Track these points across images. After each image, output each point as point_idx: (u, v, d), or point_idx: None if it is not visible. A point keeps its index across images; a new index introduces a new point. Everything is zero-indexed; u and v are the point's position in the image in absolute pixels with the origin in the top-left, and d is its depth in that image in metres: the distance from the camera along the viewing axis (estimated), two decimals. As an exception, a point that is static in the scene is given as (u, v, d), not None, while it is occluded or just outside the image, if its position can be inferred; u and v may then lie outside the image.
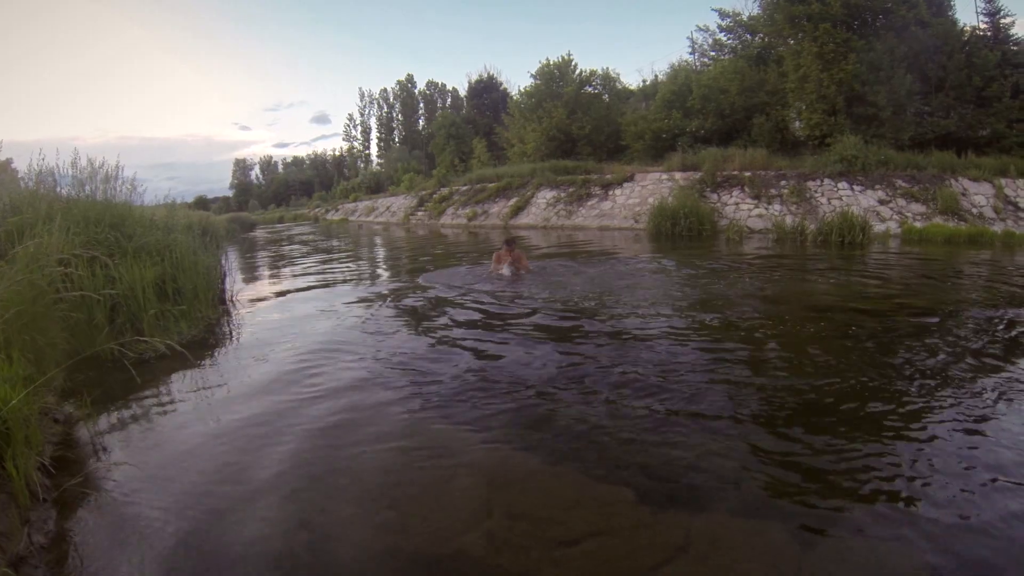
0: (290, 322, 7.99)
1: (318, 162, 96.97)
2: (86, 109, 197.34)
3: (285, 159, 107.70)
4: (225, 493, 3.48)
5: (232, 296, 9.27)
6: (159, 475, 3.73)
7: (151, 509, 3.33)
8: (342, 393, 5.02)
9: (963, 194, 18.20)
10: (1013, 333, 6.57)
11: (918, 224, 17.22)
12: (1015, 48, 23.10)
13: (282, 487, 3.53)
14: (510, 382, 5.17)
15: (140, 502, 3.41)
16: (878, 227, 17.18)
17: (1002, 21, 23.64)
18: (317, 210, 64.05)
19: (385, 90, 78.64)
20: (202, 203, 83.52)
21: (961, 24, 24.19)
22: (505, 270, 10.54)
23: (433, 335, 6.87)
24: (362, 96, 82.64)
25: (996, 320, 7.10)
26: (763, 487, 3.38)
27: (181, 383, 5.58)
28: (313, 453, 3.94)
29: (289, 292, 10.69)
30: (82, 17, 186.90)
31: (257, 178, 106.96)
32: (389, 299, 9.17)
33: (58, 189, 8.51)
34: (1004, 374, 5.15)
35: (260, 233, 39.81)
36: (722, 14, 31.65)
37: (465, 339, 6.61)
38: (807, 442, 3.87)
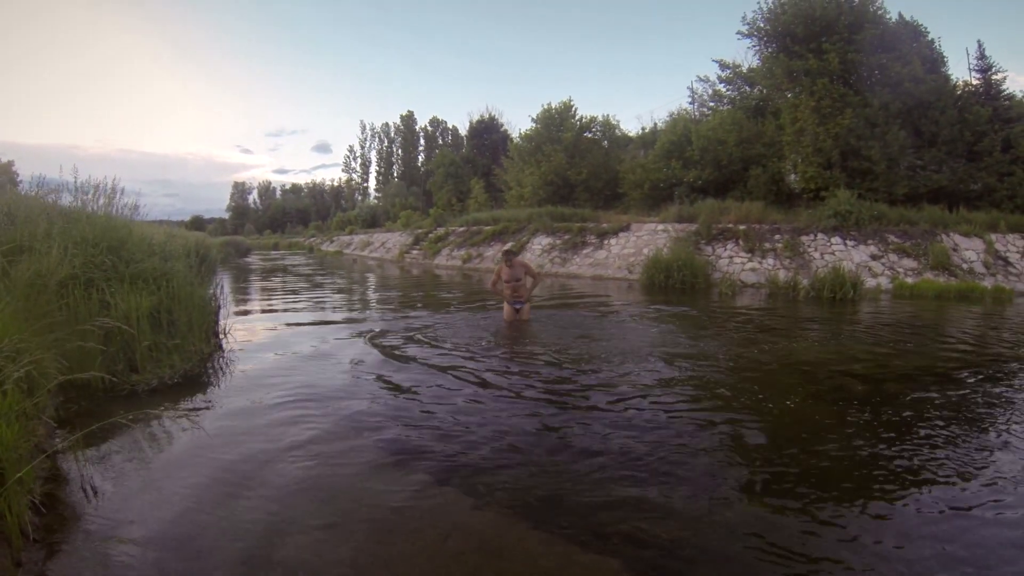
0: (283, 362, 7.94)
1: (316, 191, 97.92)
2: (87, 118, 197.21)
3: (284, 185, 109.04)
4: (213, 543, 3.48)
5: (226, 330, 9.21)
6: (148, 518, 3.74)
7: (139, 554, 3.35)
8: (334, 446, 4.99)
9: (954, 249, 18.40)
10: (1001, 394, 6.68)
11: (909, 280, 17.35)
12: (1006, 103, 23.45)
13: (273, 541, 3.51)
14: (500, 440, 5.15)
15: (128, 545, 3.43)
16: (870, 282, 17.33)
17: (994, 77, 24.03)
18: (312, 240, 64.51)
19: (387, 124, 79.84)
20: (198, 223, 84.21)
21: (954, 79, 24.62)
22: (507, 310, 10.54)
23: (426, 386, 6.78)
24: (363, 129, 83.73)
25: (984, 380, 7.21)
26: (750, 561, 3.38)
27: (172, 420, 5.57)
28: (304, 507, 3.92)
29: (283, 329, 10.70)
30: (87, 25, 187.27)
31: (255, 202, 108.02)
32: (383, 343, 9.11)
33: (57, 199, 8.56)
34: (993, 437, 5.27)
35: (254, 259, 39.88)
36: (722, 65, 32.15)
37: (457, 393, 6.51)
38: (795, 512, 3.89)
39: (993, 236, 18.80)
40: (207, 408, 5.97)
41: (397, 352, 8.48)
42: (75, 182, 8.73)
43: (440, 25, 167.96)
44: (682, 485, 4.28)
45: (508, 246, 27.21)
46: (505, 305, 10.62)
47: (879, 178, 21.87)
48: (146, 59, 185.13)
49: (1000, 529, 3.68)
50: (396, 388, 6.72)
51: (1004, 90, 24.02)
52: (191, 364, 7.24)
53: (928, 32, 25.07)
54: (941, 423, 5.59)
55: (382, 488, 4.22)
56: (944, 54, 25.04)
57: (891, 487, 4.27)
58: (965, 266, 17.87)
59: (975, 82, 24.68)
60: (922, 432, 5.35)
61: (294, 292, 18.08)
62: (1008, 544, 3.51)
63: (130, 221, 8.80)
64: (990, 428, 5.54)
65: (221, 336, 8.85)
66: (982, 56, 24.57)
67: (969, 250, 18.40)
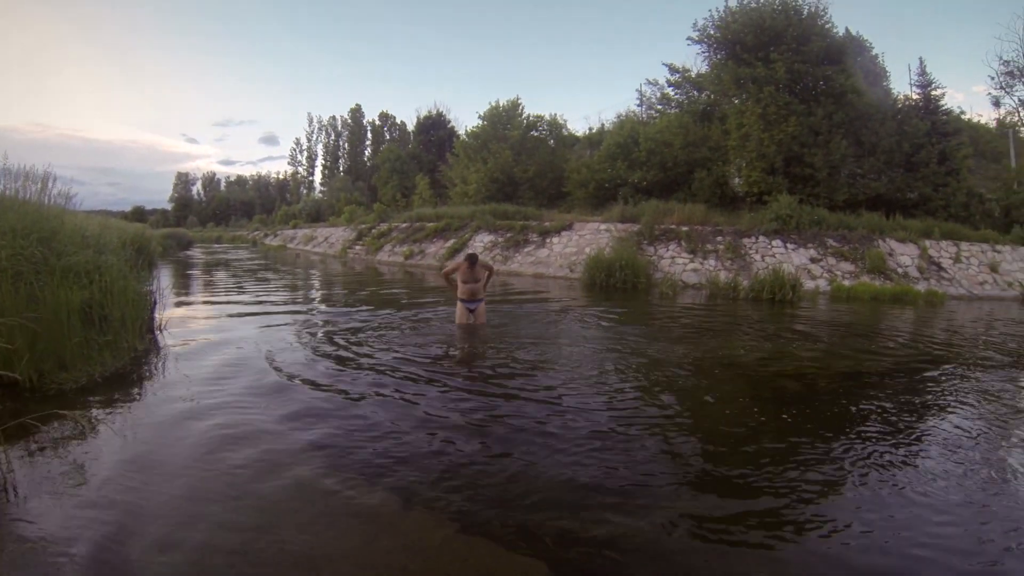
0: (220, 360, 7.60)
1: (261, 184, 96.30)
2: (25, 102, 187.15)
3: (228, 177, 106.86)
4: (138, 547, 3.34)
5: (162, 326, 8.89)
6: (72, 520, 3.59)
7: (61, 555, 3.21)
8: (265, 448, 4.79)
9: (890, 254, 18.89)
10: (929, 392, 6.96)
11: (847, 282, 17.67)
12: (944, 118, 24.12)
13: (198, 545, 3.38)
14: (432, 441, 5.04)
15: (51, 547, 3.29)
16: (808, 284, 17.56)
17: (933, 93, 24.65)
18: (256, 233, 63.59)
19: (334, 118, 78.84)
20: (139, 214, 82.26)
21: (895, 93, 25.26)
22: (460, 311, 9.96)
23: (363, 388, 6.56)
24: (311, 121, 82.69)
25: (913, 379, 7.47)
26: (677, 565, 3.34)
27: (100, 420, 5.31)
28: (232, 509, 3.79)
29: (222, 326, 10.23)
30: (26, 7, 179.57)
31: (198, 194, 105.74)
32: (322, 343, 8.74)
33: None
34: (921, 435, 5.45)
35: (197, 253, 39.23)
36: (671, 69, 32.54)
37: (392, 395, 6.31)
38: (723, 516, 3.85)
39: (927, 242, 19.34)
40: (136, 407, 5.74)
41: (336, 353, 8.18)
42: (2, 167, 8.36)
43: (391, 19, 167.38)
44: (615, 485, 4.25)
45: (450, 243, 26.97)
46: (458, 305, 10.09)
47: (820, 184, 22.32)
48: (88, 41, 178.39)
49: (926, 526, 3.75)
50: (332, 389, 6.47)
51: (942, 106, 24.72)
52: (123, 361, 7.04)
53: (872, 47, 25.71)
54: (872, 420, 5.74)
55: (311, 489, 4.13)
56: (887, 69, 25.78)
57: (822, 484, 4.32)
58: (900, 270, 18.27)
59: (915, 97, 25.37)
60: (854, 429, 5.47)
61: (235, 287, 17.61)
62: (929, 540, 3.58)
63: (63, 211, 8.52)
64: (918, 425, 5.74)
65: (157, 332, 8.68)
66: (923, 73, 25.25)
67: (904, 255, 18.84)
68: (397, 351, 8.24)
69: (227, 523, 3.60)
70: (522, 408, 5.91)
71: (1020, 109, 29.79)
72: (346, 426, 5.33)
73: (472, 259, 9.95)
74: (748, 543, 3.50)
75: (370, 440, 5.01)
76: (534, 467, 4.51)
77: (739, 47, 23.79)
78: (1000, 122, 34.55)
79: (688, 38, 25.79)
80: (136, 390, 6.27)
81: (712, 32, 25.12)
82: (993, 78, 29.77)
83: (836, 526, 3.69)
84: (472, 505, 3.93)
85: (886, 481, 4.35)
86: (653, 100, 35.01)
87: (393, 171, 50.99)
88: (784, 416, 5.81)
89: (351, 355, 8.03)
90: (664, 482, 4.31)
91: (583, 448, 4.88)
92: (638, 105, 36.65)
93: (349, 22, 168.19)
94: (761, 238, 19.89)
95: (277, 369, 7.21)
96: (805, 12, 23.50)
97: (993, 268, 18.85)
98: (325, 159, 79.31)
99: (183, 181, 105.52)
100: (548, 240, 24.15)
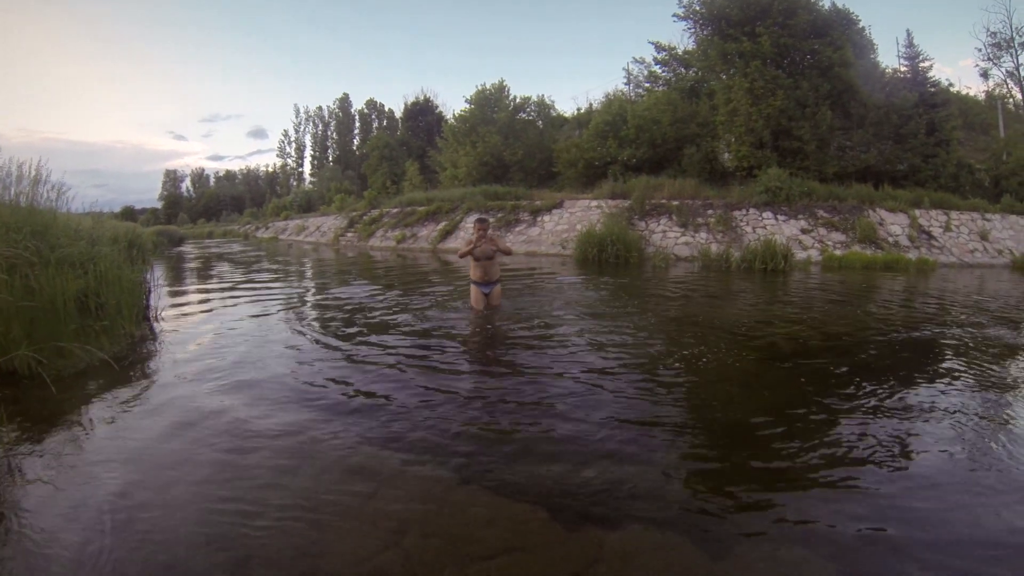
0: (215, 342, 7.63)
1: (251, 178, 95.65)
2: (9, 108, 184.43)
3: (217, 172, 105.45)
4: (141, 516, 3.36)
5: (157, 313, 8.89)
6: (75, 499, 3.57)
7: (67, 534, 3.19)
8: (262, 416, 4.86)
9: (880, 224, 18.99)
10: (921, 355, 6.93)
11: (838, 252, 17.80)
12: (932, 90, 24.14)
13: (201, 508, 3.43)
14: (427, 401, 5.13)
15: (55, 527, 3.26)
16: (800, 255, 17.63)
17: (921, 64, 24.70)
18: (247, 227, 63.09)
19: (321, 108, 78.56)
20: (129, 214, 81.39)
21: (883, 66, 25.31)
22: (474, 295, 9.08)
23: (355, 358, 6.65)
24: (297, 113, 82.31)
25: (905, 342, 7.43)
26: (675, 504, 3.42)
27: (99, 402, 5.33)
28: (232, 473, 3.84)
29: (216, 311, 10.20)
30: (8, 8, 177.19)
31: (188, 191, 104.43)
32: (312, 322, 8.77)
33: None
34: (913, 395, 5.34)
35: (189, 248, 38.99)
36: (658, 47, 32.48)
37: (385, 360, 6.45)
38: (720, 461, 3.97)
39: (917, 212, 19.45)
40: (132, 390, 5.73)
41: (328, 331, 8.22)
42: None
43: (376, 7, 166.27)
44: (609, 438, 4.33)
45: (442, 225, 26.89)
46: (473, 289, 9.16)
47: (810, 157, 22.34)
48: (71, 43, 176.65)
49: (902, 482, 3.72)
50: (326, 363, 6.53)
51: (930, 77, 24.72)
52: (120, 347, 7.07)
53: (859, 20, 25.61)
54: (865, 376, 5.82)
55: (310, 450, 4.20)
56: (874, 42, 25.72)
57: (815, 434, 4.39)
58: (891, 239, 18.38)
59: (903, 69, 25.38)
60: (846, 385, 5.59)
61: (228, 278, 17.45)
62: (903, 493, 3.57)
63: (54, 210, 8.45)
64: (909, 378, 5.81)
65: (153, 319, 8.66)
66: (910, 44, 25.28)
67: (895, 224, 18.94)
68: (391, 329, 8.23)
69: (229, 482, 3.67)
70: (519, 371, 5.99)
71: (1008, 80, 29.92)
72: (338, 394, 5.40)
73: (482, 223, 8.91)
74: (744, 489, 3.58)
75: (365, 404, 5.08)
76: (533, 424, 4.57)
77: (725, 22, 23.75)
78: (989, 94, 34.68)
79: (674, 15, 25.79)
80: (133, 373, 6.24)
81: (698, 8, 25.06)
82: (981, 50, 29.99)
83: (831, 476, 3.73)
84: (472, 460, 3.99)
85: (882, 427, 4.47)
86: (640, 78, 35.02)
87: (382, 158, 50.76)
88: (775, 375, 5.94)
89: (342, 332, 8.07)
90: (661, 433, 4.40)
91: (582, 404, 4.96)
92: (625, 84, 36.72)
93: (333, 11, 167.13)
94: (752, 210, 19.97)
95: (272, 349, 7.21)
96: (790, -14, 23.42)
97: (983, 236, 18.98)
98: (314, 150, 79.16)
99: (172, 179, 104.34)
100: (539, 219, 24.19)
